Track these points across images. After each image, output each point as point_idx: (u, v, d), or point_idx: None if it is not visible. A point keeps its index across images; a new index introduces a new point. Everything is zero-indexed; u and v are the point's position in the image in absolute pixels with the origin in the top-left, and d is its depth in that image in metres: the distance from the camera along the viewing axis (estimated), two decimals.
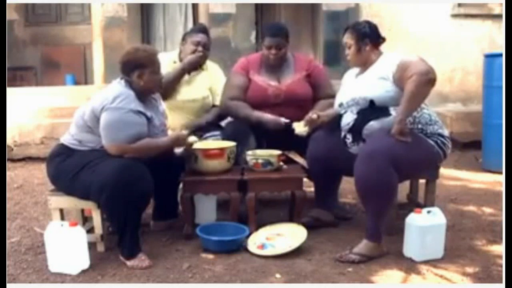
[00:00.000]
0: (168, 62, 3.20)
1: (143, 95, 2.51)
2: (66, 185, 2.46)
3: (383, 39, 2.68)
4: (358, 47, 2.62)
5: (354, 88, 2.62)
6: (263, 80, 3.09)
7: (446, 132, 2.58)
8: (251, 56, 3.32)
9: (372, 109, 2.51)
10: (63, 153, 2.48)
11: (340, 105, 2.67)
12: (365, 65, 2.65)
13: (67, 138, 2.52)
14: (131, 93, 2.44)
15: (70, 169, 2.41)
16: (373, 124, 2.49)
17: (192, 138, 2.66)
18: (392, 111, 2.46)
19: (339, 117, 2.68)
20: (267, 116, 2.96)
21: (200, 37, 3.19)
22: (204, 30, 3.26)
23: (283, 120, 2.92)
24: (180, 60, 3.24)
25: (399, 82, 2.43)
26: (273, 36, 3.03)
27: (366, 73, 2.63)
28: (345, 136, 2.63)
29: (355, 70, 2.76)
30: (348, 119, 2.60)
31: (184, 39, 3.27)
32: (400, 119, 2.35)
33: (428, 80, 2.34)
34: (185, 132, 2.69)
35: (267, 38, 3.04)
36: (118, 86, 2.47)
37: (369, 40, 2.61)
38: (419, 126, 2.49)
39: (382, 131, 2.43)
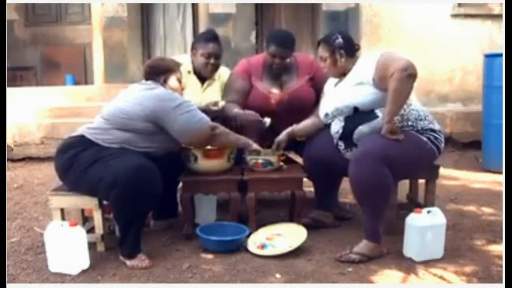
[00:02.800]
0: (183, 70, 3.03)
1: None
2: (75, 178, 2.43)
3: (358, 47, 2.67)
4: (333, 60, 2.61)
5: (335, 97, 2.62)
6: (265, 88, 3.03)
7: (437, 127, 2.57)
8: (252, 58, 3.22)
9: (358, 114, 2.50)
10: (79, 145, 2.44)
11: (326, 115, 2.67)
12: (344, 74, 2.64)
13: (88, 131, 2.48)
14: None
15: (85, 160, 2.39)
16: (362, 129, 2.48)
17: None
18: (379, 113, 2.45)
19: (328, 124, 2.68)
20: (246, 114, 2.89)
21: (211, 47, 3.01)
22: (214, 38, 3.05)
23: (266, 120, 2.87)
24: (194, 70, 3.08)
25: (381, 83, 2.41)
26: (279, 46, 2.93)
27: (344, 81, 2.62)
28: (337, 144, 2.63)
29: (335, 78, 2.75)
30: (337, 127, 2.60)
31: (194, 48, 3.09)
32: (388, 119, 2.34)
33: (408, 75, 2.31)
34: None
35: (273, 46, 2.94)
36: (161, 88, 2.52)
37: (343, 51, 2.59)
38: (409, 123, 2.48)
39: (373, 133, 2.43)
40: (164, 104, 2.43)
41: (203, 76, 3.11)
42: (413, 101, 2.52)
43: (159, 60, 2.78)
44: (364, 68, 2.51)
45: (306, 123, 2.85)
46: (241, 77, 3.06)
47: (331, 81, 2.79)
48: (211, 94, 3.10)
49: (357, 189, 2.40)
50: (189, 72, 3.07)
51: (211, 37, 3.06)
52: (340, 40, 2.60)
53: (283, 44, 2.95)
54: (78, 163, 2.40)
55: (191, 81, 3.07)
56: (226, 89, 3.11)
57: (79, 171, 2.39)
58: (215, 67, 3.08)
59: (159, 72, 2.59)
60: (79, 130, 2.53)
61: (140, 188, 2.27)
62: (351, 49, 2.63)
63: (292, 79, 3.05)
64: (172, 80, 2.60)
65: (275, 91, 3.03)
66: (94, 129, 2.48)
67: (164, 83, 2.58)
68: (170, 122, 2.43)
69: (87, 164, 2.37)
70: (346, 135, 2.55)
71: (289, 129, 2.83)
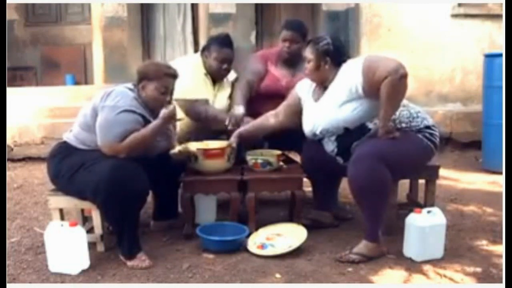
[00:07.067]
0: (196, 71, 3.06)
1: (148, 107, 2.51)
2: (64, 185, 2.46)
3: (346, 58, 2.52)
4: (317, 64, 2.50)
5: (319, 116, 2.54)
6: (278, 72, 3.16)
7: (431, 122, 2.56)
8: (270, 49, 3.43)
9: (350, 132, 2.48)
10: (62, 152, 2.48)
11: (314, 135, 2.60)
12: (322, 83, 2.57)
13: (69, 136, 2.52)
14: (130, 93, 2.45)
15: (68, 168, 2.40)
16: (357, 144, 2.47)
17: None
18: (370, 125, 2.45)
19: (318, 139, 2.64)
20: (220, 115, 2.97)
21: (226, 53, 3.04)
22: (230, 44, 3.08)
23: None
24: (208, 71, 3.07)
25: (371, 89, 2.33)
26: (288, 29, 3.09)
27: (327, 96, 2.52)
28: (335, 158, 2.62)
29: (310, 84, 2.66)
30: (330, 146, 2.59)
31: (207, 49, 3.08)
32: (383, 124, 2.34)
33: (401, 77, 2.27)
34: (172, 106, 2.53)
35: (283, 31, 3.11)
36: (121, 86, 2.50)
37: (329, 59, 2.49)
38: (403, 125, 2.48)
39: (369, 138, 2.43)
40: (101, 102, 2.40)
41: (213, 77, 3.14)
42: (404, 105, 2.52)
43: (146, 65, 2.60)
44: (348, 79, 2.41)
45: (254, 123, 2.82)
46: (259, 61, 3.19)
47: (307, 88, 2.69)
48: (221, 96, 3.13)
49: (355, 189, 2.40)
50: (205, 74, 3.09)
51: (227, 42, 3.08)
52: (329, 46, 2.49)
53: (291, 28, 3.10)
54: (64, 170, 2.42)
55: (206, 81, 3.10)
56: (243, 69, 3.20)
57: (65, 179, 2.41)
58: (227, 72, 3.14)
59: (139, 77, 2.50)
60: (63, 135, 2.56)
61: (123, 188, 2.25)
62: (338, 59, 2.50)
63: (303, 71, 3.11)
64: (149, 88, 2.46)
65: (287, 77, 3.13)
66: (71, 134, 2.51)
67: (142, 89, 2.48)
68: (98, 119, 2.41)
69: (72, 171, 2.39)
70: (342, 152, 2.55)
71: (236, 132, 2.76)
